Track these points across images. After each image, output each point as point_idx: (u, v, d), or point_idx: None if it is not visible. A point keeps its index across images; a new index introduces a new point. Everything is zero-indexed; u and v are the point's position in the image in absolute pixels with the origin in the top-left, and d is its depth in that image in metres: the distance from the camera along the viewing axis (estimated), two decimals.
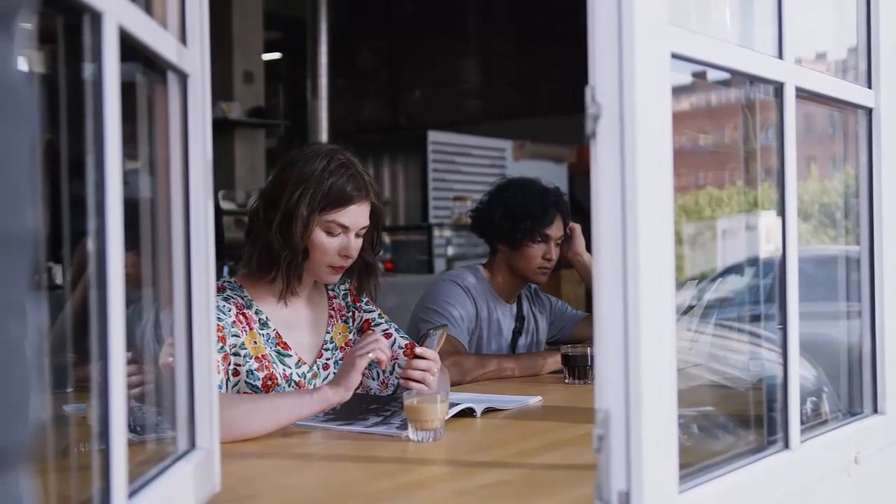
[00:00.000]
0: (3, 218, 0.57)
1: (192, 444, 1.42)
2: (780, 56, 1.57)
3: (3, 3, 0.57)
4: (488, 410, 2.27)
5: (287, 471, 1.83)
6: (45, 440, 1.11)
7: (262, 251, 2.28)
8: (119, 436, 1.04)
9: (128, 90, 1.11)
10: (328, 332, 2.43)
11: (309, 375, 2.34)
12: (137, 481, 1.19)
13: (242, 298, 2.30)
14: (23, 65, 0.60)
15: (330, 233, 2.27)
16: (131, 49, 1.14)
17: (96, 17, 1.02)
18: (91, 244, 1.05)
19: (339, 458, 1.85)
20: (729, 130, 2.05)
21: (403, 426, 1.99)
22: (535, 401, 2.44)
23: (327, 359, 2.41)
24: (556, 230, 3.12)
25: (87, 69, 1.04)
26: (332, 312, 2.46)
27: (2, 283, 0.56)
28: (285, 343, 2.32)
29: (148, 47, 1.21)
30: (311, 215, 2.24)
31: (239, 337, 2.22)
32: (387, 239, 7.99)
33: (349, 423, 2.09)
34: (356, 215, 2.29)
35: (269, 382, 2.25)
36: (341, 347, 2.44)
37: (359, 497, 1.59)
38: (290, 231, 2.23)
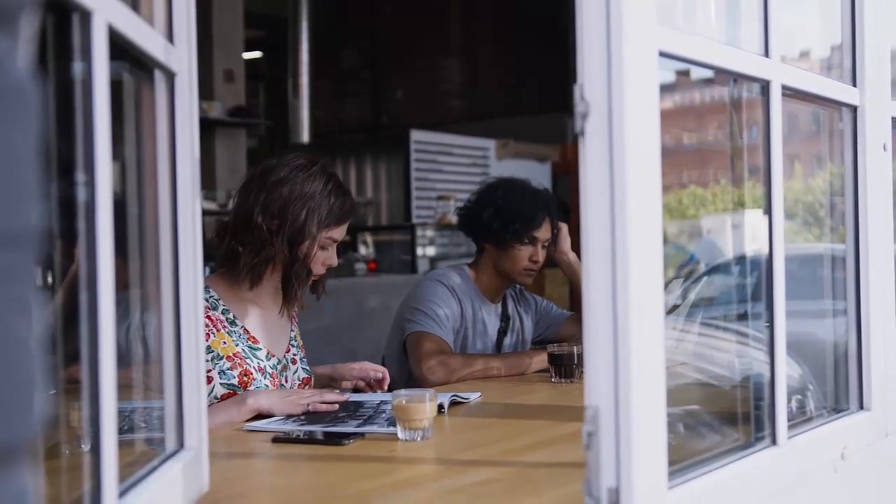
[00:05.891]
0: (9, 215, 0.57)
1: (181, 445, 1.41)
2: (767, 54, 1.58)
3: (6, 4, 0.57)
4: (454, 403, 2.34)
5: (275, 471, 1.82)
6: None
7: (265, 263, 2.37)
8: (110, 437, 1.04)
9: (114, 89, 1.10)
10: (292, 331, 2.56)
11: (279, 368, 2.45)
12: (127, 481, 1.18)
13: (207, 300, 2.35)
14: (26, 64, 0.60)
15: (323, 247, 2.41)
16: (118, 47, 1.13)
17: (86, 16, 1.01)
18: (79, 245, 1.04)
19: (327, 458, 1.85)
20: (713, 129, 2.06)
21: (391, 424, 1.99)
22: (475, 396, 2.47)
23: (294, 354, 2.53)
24: (544, 233, 3.12)
25: (76, 67, 1.04)
26: (293, 314, 2.59)
27: (8, 279, 0.57)
28: (254, 337, 2.41)
29: (136, 46, 1.20)
30: (318, 233, 2.37)
31: (206, 341, 2.25)
32: (369, 239, 7.98)
33: (333, 425, 2.08)
34: (345, 229, 2.47)
35: (245, 378, 2.33)
36: (301, 347, 2.59)
37: (348, 497, 1.59)
38: (297, 248, 2.36)
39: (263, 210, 2.34)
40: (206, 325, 2.29)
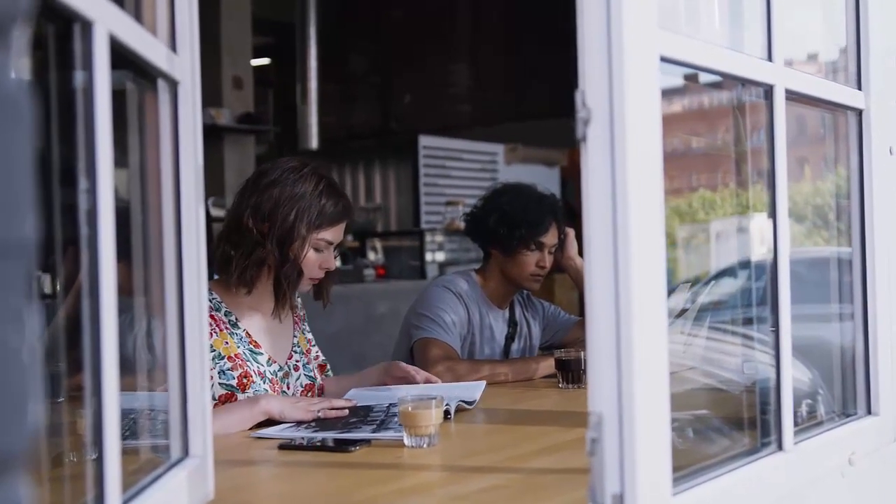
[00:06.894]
0: (3, 225, 0.57)
1: (186, 452, 1.42)
2: (770, 58, 1.58)
3: (0, 13, 0.58)
4: (459, 410, 2.33)
5: (281, 478, 1.82)
6: (39, 449, 1.11)
7: (256, 265, 2.37)
8: (113, 444, 1.04)
9: (118, 98, 1.11)
10: (295, 337, 2.56)
11: (280, 374, 2.45)
12: (131, 489, 1.18)
13: (211, 301, 2.36)
14: (20, 73, 0.61)
15: (317, 249, 2.41)
16: (121, 56, 1.14)
17: (87, 26, 1.02)
18: (82, 253, 1.04)
19: (333, 465, 1.85)
20: (721, 133, 2.06)
21: (400, 430, 1.99)
22: (479, 390, 2.50)
23: (296, 361, 2.53)
24: (550, 238, 3.11)
25: (78, 77, 1.04)
26: (296, 319, 2.59)
27: (1, 289, 0.57)
28: (256, 342, 2.42)
29: (138, 55, 1.21)
30: (308, 234, 2.36)
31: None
32: (378, 244, 7.98)
33: (347, 431, 2.08)
34: (341, 232, 2.45)
35: (245, 380, 2.34)
36: (305, 352, 2.57)
37: None
38: (288, 249, 2.36)
39: (254, 212, 2.36)
40: (209, 325, 2.29)
